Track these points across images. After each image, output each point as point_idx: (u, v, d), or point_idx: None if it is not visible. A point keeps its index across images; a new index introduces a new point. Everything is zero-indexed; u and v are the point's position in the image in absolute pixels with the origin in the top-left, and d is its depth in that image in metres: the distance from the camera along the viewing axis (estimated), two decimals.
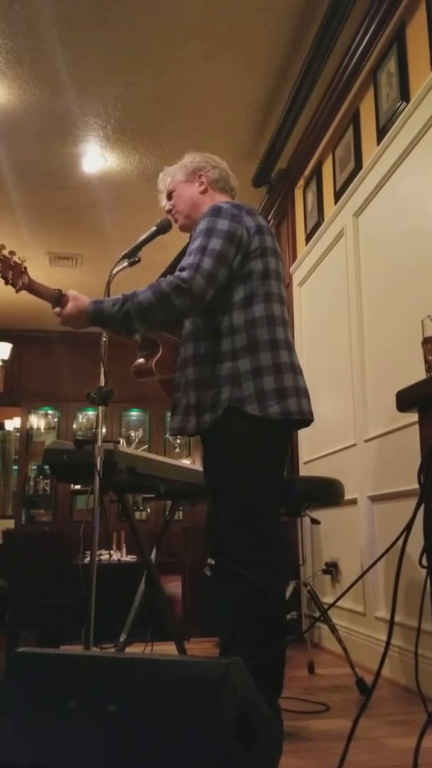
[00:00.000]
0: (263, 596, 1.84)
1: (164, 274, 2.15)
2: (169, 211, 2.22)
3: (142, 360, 2.18)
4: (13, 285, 1.88)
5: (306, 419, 1.97)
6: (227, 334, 1.93)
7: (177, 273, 1.85)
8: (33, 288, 1.92)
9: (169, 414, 2.06)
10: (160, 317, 1.88)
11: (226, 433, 1.90)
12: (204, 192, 2.16)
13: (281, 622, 1.95)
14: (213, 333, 1.95)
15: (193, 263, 1.85)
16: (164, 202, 2.25)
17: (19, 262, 1.89)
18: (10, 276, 1.86)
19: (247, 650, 1.77)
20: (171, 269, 2.22)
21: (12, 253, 1.88)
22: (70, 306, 1.90)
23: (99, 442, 2.02)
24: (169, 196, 2.22)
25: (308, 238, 4.05)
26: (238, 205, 2.02)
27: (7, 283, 1.86)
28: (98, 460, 2.00)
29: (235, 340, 1.92)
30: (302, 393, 1.96)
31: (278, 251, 2.08)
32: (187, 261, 1.88)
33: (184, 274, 1.83)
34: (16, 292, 1.90)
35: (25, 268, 1.91)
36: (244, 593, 1.85)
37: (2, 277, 1.85)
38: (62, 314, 1.92)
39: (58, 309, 1.93)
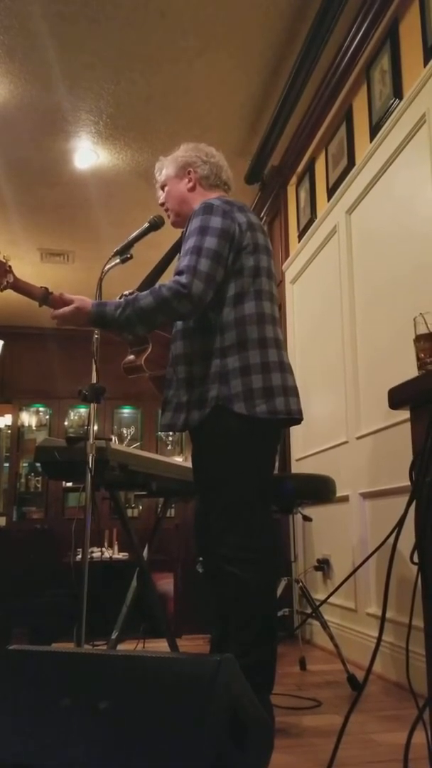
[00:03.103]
0: (254, 594, 1.84)
1: (155, 271, 2.15)
2: (162, 205, 2.22)
3: (132, 357, 2.18)
4: None
5: (294, 418, 1.96)
6: (217, 331, 1.92)
7: (176, 277, 1.85)
8: (18, 287, 1.91)
9: (161, 411, 2.06)
10: (162, 321, 1.90)
11: (214, 431, 1.90)
12: (192, 189, 2.14)
13: (272, 619, 1.96)
14: (203, 330, 1.95)
15: (191, 265, 1.84)
16: (159, 193, 2.24)
17: (3, 261, 1.88)
18: None
19: (239, 647, 1.77)
20: (162, 266, 2.22)
21: None
22: (73, 306, 1.90)
23: (91, 440, 2.02)
24: (163, 189, 2.21)
25: (301, 236, 4.05)
26: (229, 202, 2.01)
27: None
28: (90, 458, 2.00)
29: (225, 337, 1.91)
30: (290, 392, 1.95)
31: (270, 249, 2.07)
32: (183, 263, 1.86)
33: (183, 278, 1.82)
34: (0, 291, 1.89)
35: (10, 266, 1.89)
36: (235, 591, 1.85)
37: None
38: (64, 314, 1.91)
39: (54, 311, 1.93)
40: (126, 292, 1.99)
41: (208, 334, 1.93)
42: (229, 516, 1.88)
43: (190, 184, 2.14)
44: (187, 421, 1.94)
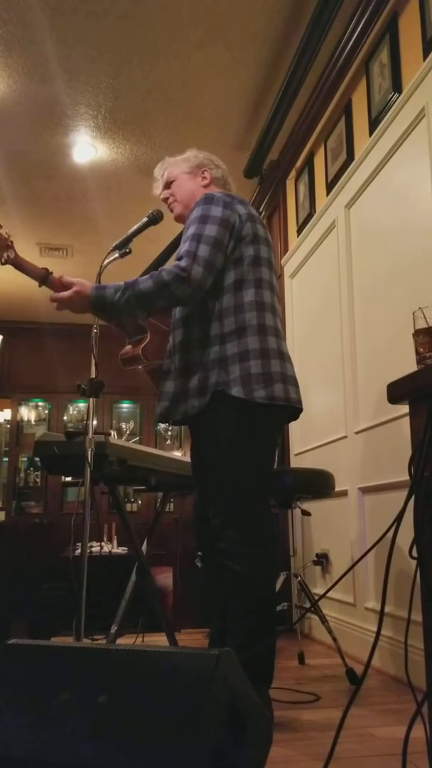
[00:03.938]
0: (253, 588, 1.85)
1: (154, 265, 2.15)
2: (166, 200, 2.23)
3: (129, 347, 2.17)
4: None
5: (293, 406, 1.96)
6: (216, 317, 1.94)
7: (176, 262, 1.86)
8: (18, 263, 1.90)
9: (157, 402, 2.05)
10: (161, 305, 1.91)
11: (213, 418, 1.90)
12: (206, 186, 2.19)
13: (271, 613, 1.96)
14: (202, 317, 1.96)
15: (190, 251, 1.86)
16: (160, 191, 2.25)
17: (6, 236, 1.88)
18: None
19: (238, 641, 1.78)
20: (161, 260, 2.22)
21: None
22: (73, 290, 1.89)
23: (90, 434, 2.02)
24: (168, 185, 2.22)
25: (300, 230, 4.05)
26: (230, 195, 2.06)
27: None
28: (89, 452, 2.00)
29: (224, 324, 1.93)
30: (290, 380, 1.95)
31: (270, 241, 2.09)
32: (183, 248, 1.88)
33: (183, 262, 1.84)
34: (2, 264, 1.88)
35: (11, 242, 1.89)
36: (234, 585, 1.85)
37: None
38: (63, 298, 1.90)
39: (52, 294, 1.92)
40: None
41: (207, 321, 1.95)
42: (228, 510, 1.88)
43: (205, 182, 2.19)
44: (186, 410, 1.94)
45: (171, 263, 1.93)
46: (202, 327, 1.95)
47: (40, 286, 1.93)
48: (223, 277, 1.95)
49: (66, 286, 1.91)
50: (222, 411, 1.88)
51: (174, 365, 2.00)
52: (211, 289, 1.93)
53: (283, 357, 1.97)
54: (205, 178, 2.19)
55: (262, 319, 1.94)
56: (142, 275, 2.07)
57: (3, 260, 1.87)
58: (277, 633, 1.95)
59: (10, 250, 1.88)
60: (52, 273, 1.92)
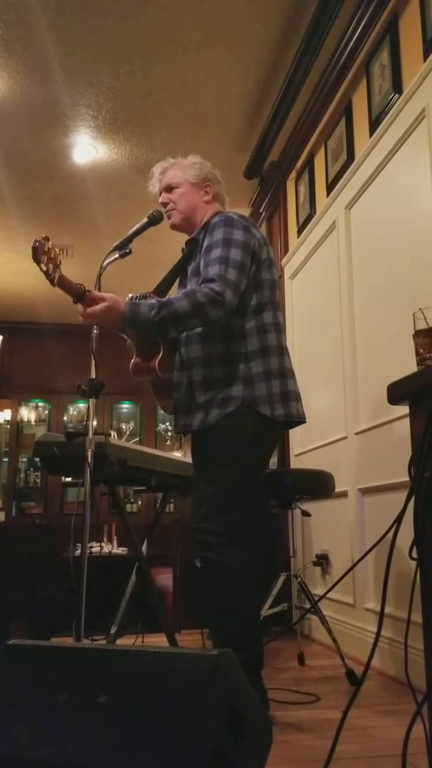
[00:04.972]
0: (232, 580, 1.89)
1: (160, 288, 2.14)
2: (165, 204, 2.21)
3: (139, 360, 2.15)
4: (51, 279, 1.85)
5: (301, 422, 2.08)
6: (240, 337, 2.01)
7: (209, 285, 1.89)
8: (63, 283, 1.89)
9: (174, 413, 2.11)
10: (194, 326, 1.95)
11: (231, 429, 1.95)
12: (209, 202, 2.21)
13: (252, 604, 2.03)
14: (225, 336, 2.01)
15: (221, 274, 1.90)
16: (157, 189, 2.23)
17: (56, 254, 1.87)
18: (51, 269, 1.83)
19: (214, 622, 1.86)
20: (166, 283, 2.20)
21: (53, 245, 1.86)
22: (104, 305, 1.88)
23: (90, 435, 2.02)
24: (169, 189, 2.20)
25: (300, 231, 4.05)
26: (244, 217, 2.10)
27: (46, 275, 1.82)
28: (89, 453, 2.00)
29: (248, 343, 2.00)
30: (299, 398, 2.07)
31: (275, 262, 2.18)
32: (213, 271, 1.91)
33: (216, 286, 1.88)
34: (53, 286, 1.87)
35: (60, 261, 1.89)
36: (213, 581, 1.91)
37: (44, 270, 1.81)
38: (95, 313, 1.89)
39: (82, 308, 1.92)
40: (131, 295, 2.00)
41: (231, 339, 2.01)
42: (212, 507, 1.93)
43: (207, 197, 2.21)
44: (206, 419, 1.98)
45: (176, 286, 2.01)
46: (225, 345, 2.00)
47: (75, 302, 1.93)
48: (246, 300, 2.02)
49: (96, 301, 1.90)
50: (242, 423, 1.95)
51: (190, 379, 2.03)
52: (235, 309, 1.98)
53: (293, 375, 2.08)
54: (207, 193, 2.20)
55: (280, 340, 2.05)
56: (149, 295, 2.06)
57: (54, 280, 1.84)
58: (265, 627, 1.99)
59: (58, 269, 1.87)
60: (90, 290, 1.91)
